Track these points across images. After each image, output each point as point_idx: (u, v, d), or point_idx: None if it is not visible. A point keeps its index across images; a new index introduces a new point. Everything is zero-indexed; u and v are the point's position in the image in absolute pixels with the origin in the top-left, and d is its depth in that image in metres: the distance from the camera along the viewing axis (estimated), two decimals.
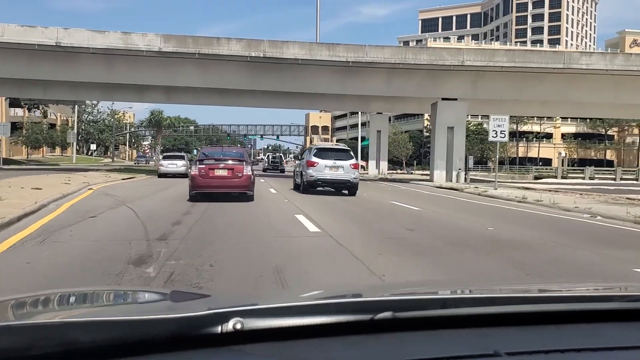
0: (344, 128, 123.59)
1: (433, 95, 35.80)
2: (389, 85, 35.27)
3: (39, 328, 1.27)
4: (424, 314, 1.38)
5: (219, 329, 1.23)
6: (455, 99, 35.27)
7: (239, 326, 1.24)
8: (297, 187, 21.90)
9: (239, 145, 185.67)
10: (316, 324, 1.29)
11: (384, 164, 53.77)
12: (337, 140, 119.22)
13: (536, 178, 61.00)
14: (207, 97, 52.87)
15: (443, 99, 35.38)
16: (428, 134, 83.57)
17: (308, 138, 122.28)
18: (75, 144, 68.85)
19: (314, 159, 19.93)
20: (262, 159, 77.31)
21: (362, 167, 69.17)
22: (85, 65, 33.88)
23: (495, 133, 25.56)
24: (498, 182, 38.84)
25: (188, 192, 15.71)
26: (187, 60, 33.87)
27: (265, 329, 1.26)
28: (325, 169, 19.62)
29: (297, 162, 27.74)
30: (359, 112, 63.57)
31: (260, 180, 26.45)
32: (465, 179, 35.77)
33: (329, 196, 19.26)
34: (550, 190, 27.59)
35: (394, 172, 59.42)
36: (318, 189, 20.33)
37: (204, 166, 15.20)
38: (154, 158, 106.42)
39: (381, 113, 53.39)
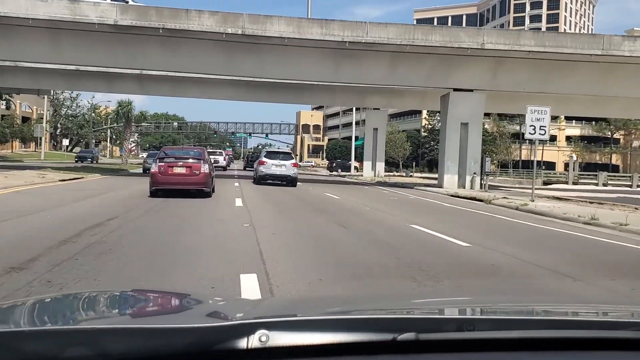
0: (336, 127, 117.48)
1: (444, 85, 29.77)
2: (392, 73, 29.19)
3: (72, 333, 1.30)
4: (448, 336, 1.35)
5: (244, 341, 1.21)
6: (471, 90, 29.27)
7: (264, 339, 1.22)
8: (255, 181, 26.50)
9: (228, 143, 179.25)
10: (340, 342, 1.27)
11: (380, 166, 47.75)
12: (329, 140, 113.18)
13: (545, 183, 55.14)
14: (184, 88, 46.77)
15: (456, 89, 29.36)
16: (426, 134, 77.63)
17: (299, 137, 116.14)
18: (43, 138, 62.30)
19: (264, 159, 25.70)
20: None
21: (356, 168, 63.54)
22: (25, 41, 27.53)
23: (534, 129, 19.56)
24: (508, 188, 32.79)
25: (149, 189, 15.96)
26: (150, 37, 27.61)
27: (291, 346, 1.24)
28: (272, 166, 25.13)
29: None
30: (353, 109, 57.42)
31: (234, 175, 32.38)
32: (482, 185, 29.78)
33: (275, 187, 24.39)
34: (587, 202, 21.69)
35: (391, 174, 53.34)
36: (268, 181, 25.42)
37: (163, 164, 15.59)
38: (133, 155, 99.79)
39: (378, 109, 47.37)
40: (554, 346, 1.36)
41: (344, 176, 49.58)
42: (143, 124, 73.20)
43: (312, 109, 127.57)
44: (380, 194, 23.58)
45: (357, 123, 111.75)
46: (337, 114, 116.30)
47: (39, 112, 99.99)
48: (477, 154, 29.88)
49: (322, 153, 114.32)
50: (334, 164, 68.42)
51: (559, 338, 1.38)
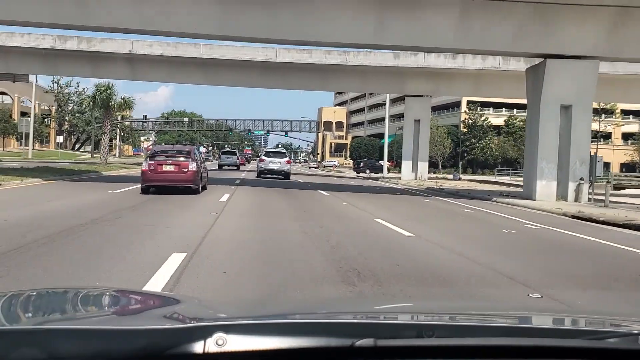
0: (360, 124, 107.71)
1: (536, 49, 20.01)
2: (463, 30, 19.44)
3: (20, 333, 1.26)
4: (407, 343, 1.32)
5: (201, 345, 1.18)
6: (579, 58, 19.56)
7: (221, 342, 1.19)
8: (257, 175, 31.48)
9: (246, 142, 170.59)
10: (299, 347, 1.24)
11: (423, 166, 38.08)
12: (353, 138, 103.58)
13: (616, 188, 44.98)
14: (183, 73, 37.56)
15: (555, 56, 19.67)
16: (466, 130, 67.62)
17: (320, 135, 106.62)
18: (31, 134, 53.67)
19: (263, 158, 32.36)
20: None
21: (388, 169, 53.82)
22: None
23: None
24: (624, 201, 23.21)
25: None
26: None
27: (248, 350, 1.21)
28: (269, 163, 31.05)
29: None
30: (387, 99, 47.71)
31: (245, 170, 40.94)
32: (590, 197, 20.07)
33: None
34: None
35: (434, 177, 43.54)
36: (267, 175, 30.58)
37: (153, 162, 15.88)
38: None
39: (421, 96, 37.71)
40: (515, 354, 1.31)
41: (376, 179, 40.00)
42: (124, 114, 64.03)
43: (335, 105, 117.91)
44: (465, 217, 13.94)
45: (383, 119, 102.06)
46: (361, 109, 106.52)
47: (42, 107, 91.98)
48: (584, 151, 20.14)
49: (346, 152, 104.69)
50: (362, 164, 58.85)
51: (520, 346, 1.32)
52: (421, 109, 37.55)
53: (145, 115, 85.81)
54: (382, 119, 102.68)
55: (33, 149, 75.65)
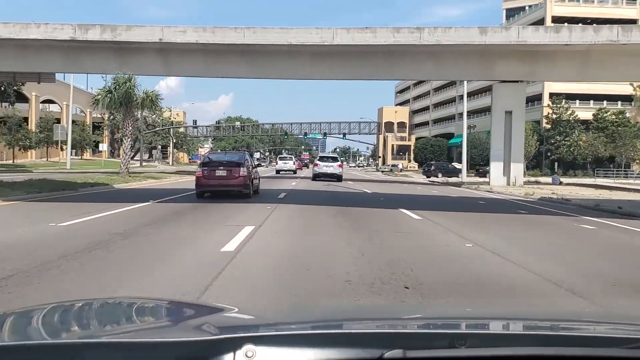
0: (424, 124, 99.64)
1: None
2: None
3: (55, 348, 1.28)
4: (438, 354, 1.29)
5: (231, 357, 1.19)
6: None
7: (250, 354, 1.19)
8: (312, 178, 32.19)
9: (303, 147, 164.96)
10: (327, 358, 1.24)
11: (517, 169, 30.37)
12: (417, 139, 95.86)
13: None
14: (221, 65, 31.38)
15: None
16: (550, 127, 58.90)
17: (381, 137, 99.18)
18: (69, 143, 48.91)
19: (317, 162, 33.79)
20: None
21: (477, 173, 46.14)
22: None
23: None
24: None
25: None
26: None
27: None
28: (323, 167, 32.38)
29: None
30: (464, 86, 40.09)
31: (300, 176, 38.82)
32: None
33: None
34: None
35: (527, 180, 35.62)
36: (321, 178, 31.46)
37: (207, 168, 16.62)
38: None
39: (515, 81, 30.08)
40: None
41: (457, 185, 32.59)
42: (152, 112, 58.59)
43: (396, 105, 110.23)
44: None
45: (451, 118, 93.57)
46: (425, 108, 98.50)
47: (93, 115, 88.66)
48: None
49: (409, 154, 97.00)
50: (432, 167, 51.24)
51: (555, 356, 1.30)
52: (514, 98, 29.87)
53: (195, 121, 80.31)
54: (449, 118, 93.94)
55: (81, 158, 71.91)
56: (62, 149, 62.68)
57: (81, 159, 70.32)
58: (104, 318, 1.77)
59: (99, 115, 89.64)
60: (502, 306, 3.62)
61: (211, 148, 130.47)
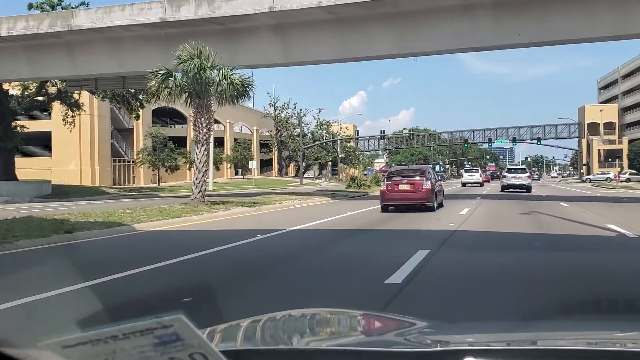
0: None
1: None
2: None
3: (289, 353, 1.35)
4: None
5: None
6: None
7: None
8: (501, 189, 32.22)
9: (488, 157, 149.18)
10: None
11: None
12: (630, 142, 77.49)
13: None
14: (361, 39, 21.84)
15: None
16: None
17: (584, 141, 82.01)
18: (211, 163, 42.65)
19: (505, 174, 34.26)
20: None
21: None
22: None
23: None
24: None
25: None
26: None
27: None
28: (511, 179, 32.44)
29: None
30: None
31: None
32: None
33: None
34: None
35: None
36: (510, 189, 31.31)
37: (390, 182, 16.68)
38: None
39: None
40: None
41: None
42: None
43: (600, 103, 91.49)
44: None
45: None
46: None
47: (260, 132, 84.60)
48: None
49: (620, 160, 78.63)
50: None
51: None
52: None
53: (358, 131, 71.36)
54: None
55: (243, 177, 66.97)
56: (217, 169, 57.77)
57: (243, 178, 65.46)
58: (321, 328, 1.87)
59: (267, 133, 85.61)
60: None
61: (386, 162, 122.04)
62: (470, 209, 16.96)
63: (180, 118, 69.73)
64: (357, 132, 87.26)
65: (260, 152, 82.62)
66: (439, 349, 1.28)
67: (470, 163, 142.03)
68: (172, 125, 67.10)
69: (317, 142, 72.46)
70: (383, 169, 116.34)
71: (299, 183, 57.79)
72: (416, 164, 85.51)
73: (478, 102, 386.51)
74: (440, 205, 17.58)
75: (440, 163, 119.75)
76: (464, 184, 44.39)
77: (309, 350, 1.36)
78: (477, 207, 18.52)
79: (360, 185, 33.41)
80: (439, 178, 20.07)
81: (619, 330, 1.83)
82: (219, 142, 69.08)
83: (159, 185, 46.56)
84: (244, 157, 62.61)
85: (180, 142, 66.10)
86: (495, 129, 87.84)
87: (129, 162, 49.23)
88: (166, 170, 46.48)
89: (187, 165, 45.27)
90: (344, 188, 33.39)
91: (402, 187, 16.27)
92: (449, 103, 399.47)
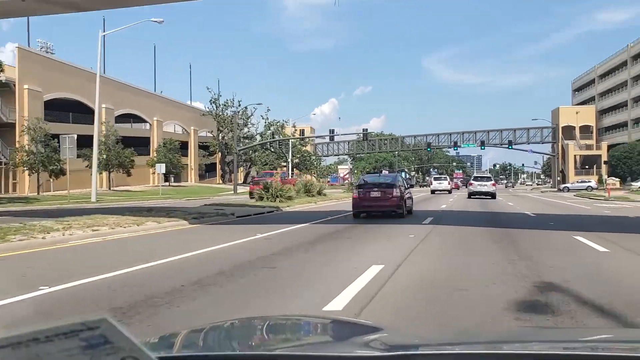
0: (619, 127, 72.71)
1: None
2: None
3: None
4: None
5: None
6: None
7: None
8: (468, 196, 33.81)
9: (454, 163, 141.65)
10: None
11: None
12: (610, 147, 69.84)
13: None
14: None
15: None
16: None
17: (559, 145, 74.04)
18: (94, 166, 32.55)
19: (472, 182, 35.78)
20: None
21: None
22: None
23: None
24: None
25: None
26: None
27: None
28: (477, 186, 34.19)
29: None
30: None
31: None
32: None
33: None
34: None
35: None
36: (476, 196, 32.84)
37: (362, 190, 17.00)
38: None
39: None
40: None
41: None
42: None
43: (576, 105, 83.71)
44: None
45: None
46: (620, 105, 71.90)
47: (201, 133, 74.26)
48: None
49: (597, 167, 70.84)
50: None
51: None
52: None
53: (332, 131, 62.28)
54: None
55: (169, 185, 56.51)
56: (128, 174, 47.53)
57: (169, 185, 55.25)
58: (276, 334, 1.80)
59: (209, 134, 75.34)
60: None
61: (350, 169, 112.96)
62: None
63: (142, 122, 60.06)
64: (303, 131, 77.22)
65: (203, 157, 72.50)
66: (387, 354, 1.25)
67: (436, 170, 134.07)
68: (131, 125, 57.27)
69: (255, 144, 62.45)
70: (345, 176, 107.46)
71: (233, 192, 47.86)
72: (375, 172, 76.79)
73: (447, 110, 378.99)
74: (410, 212, 17.87)
75: (406, 170, 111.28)
76: (433, 191, 45.14)
77: (250, 356, 1.33)
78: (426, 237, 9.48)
79: (278, 195, 23.79)
80: (408, 185, 20.58)
81: (573, 338, 1.81)
82: (144, 143, 58.74)
83: (38, 193, 36.22)
84: (169, 161, 52.40)
85: (142, 143, 56.09)
86: (461, 133, 79.40)
87: (6, 164, 38.70)
88: (50, 175, 36.13)
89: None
90: (255, 201, 23.74)
91: (374, 195, 16.60)
92: (419, 112, 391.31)
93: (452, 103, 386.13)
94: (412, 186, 43.70)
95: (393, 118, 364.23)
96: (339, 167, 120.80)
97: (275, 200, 23.25)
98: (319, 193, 30.28)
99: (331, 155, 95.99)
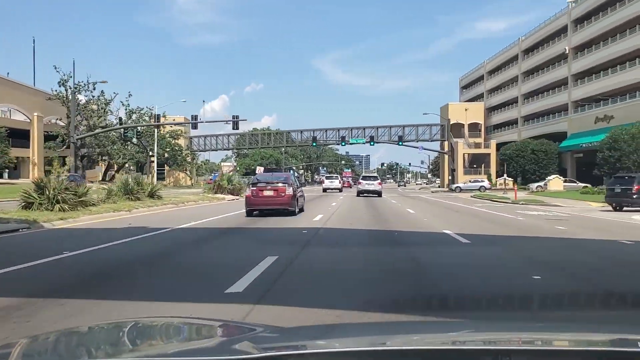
0: (509, 124, 69.67)
1: None
2: None
3: None
4: None
5: None
6: None
7: None
8: (357, 194, 34.57)
9: (343, 162, 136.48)
10: None
11: None
12: (499, 145, 66.55)
13: None
14: None
15: None
16: None
17: (446, 144, 69.93)
18: None
19: (361, 181, 37.00)
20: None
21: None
22: None
23: None
24: None
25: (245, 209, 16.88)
26: None
27: None
28: (365, 185, 35.38)
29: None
30: None
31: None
32: None
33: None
34: None
35: None
36: (364, 194, 33.95)
37: (255, 188, 16.91)
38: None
39: None
40: None
41: None
42: None
43: (465, 102, 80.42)
44: None
45: (553, 111, 63.47)
46: (510, 102, 68.96)
47: (49, 121, 62.23)
48: None
49: (486, 166, 67.51)
50: (617, 186, 22.06)
51: None
52: None
53: (195, 116, 51.27)
54: (555, 111, 62.60)
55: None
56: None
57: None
58: (147, 337, 1.69)
59: (58, 122, 63.31)
60: (547, 321, 3.05)
61: (235, 166, 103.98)
62: None
63: None
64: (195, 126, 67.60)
65: (50, 149, 60.51)
66: (254, 356, 1.23)
67: (325, 169, 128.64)
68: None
69: (98, 132, 52.03)
70: (231, 172, 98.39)
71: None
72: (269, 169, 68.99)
73: (339, 110, 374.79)
74: (302, 210, 18.18)
75: (294, 168, 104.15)
76: (325, 190, 47.22)
77: None
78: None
79: (59, 201, 14.88)
80: (300, 184, 20.53)
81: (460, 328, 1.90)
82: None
83: None
84: None
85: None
86: (350, 128, 73.31)
87: None
88: None
89: None
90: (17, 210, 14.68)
91: (267, 193, 16.55)
92: (310, 111, 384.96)
93: (343, 103, 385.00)
94: (303, 184, 42.51)
95: (285, 117, 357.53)
96: (222, 164, 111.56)
97: (53, 208, 14.34)
98: (152, 195, 21.55)
99: (209, 150, 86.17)
